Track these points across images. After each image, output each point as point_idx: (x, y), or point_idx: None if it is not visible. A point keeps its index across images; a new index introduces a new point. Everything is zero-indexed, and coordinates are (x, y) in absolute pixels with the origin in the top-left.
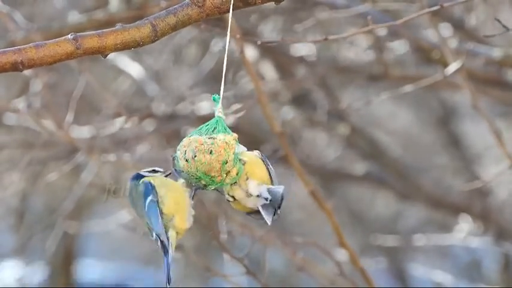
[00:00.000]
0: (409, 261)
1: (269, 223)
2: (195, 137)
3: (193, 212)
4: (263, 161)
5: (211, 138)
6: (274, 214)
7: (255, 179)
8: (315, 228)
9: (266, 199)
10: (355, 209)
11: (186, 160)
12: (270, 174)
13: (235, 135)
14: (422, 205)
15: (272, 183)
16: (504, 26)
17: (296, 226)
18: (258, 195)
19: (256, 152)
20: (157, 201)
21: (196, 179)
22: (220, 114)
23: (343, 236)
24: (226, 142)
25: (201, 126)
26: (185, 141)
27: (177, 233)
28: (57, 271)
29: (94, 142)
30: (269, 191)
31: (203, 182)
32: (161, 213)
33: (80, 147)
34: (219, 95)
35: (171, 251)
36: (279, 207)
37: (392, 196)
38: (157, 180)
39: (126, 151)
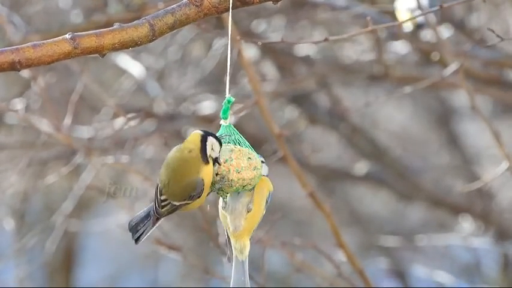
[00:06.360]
0: (409, 262)
1: None
2: (243, 149)
3: None
4: None
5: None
6: None
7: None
8: (315, 229)
9: None
10: (355, 209)
11: (238, 172)
12: None
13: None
14: (423, 205)
15: None
16: (498, 36)
17: (295, 227)
18: None
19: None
20: None
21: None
22: (224, 123)
23: (341, 237)
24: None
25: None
26: (235, 150)
27: None
28: (57, 272)
29: (93, 143)
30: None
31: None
32: None
33: (79, 148)
34: (220, 95)
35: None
36: None
37: (392, 196)
38: None
39: (126, 152)
